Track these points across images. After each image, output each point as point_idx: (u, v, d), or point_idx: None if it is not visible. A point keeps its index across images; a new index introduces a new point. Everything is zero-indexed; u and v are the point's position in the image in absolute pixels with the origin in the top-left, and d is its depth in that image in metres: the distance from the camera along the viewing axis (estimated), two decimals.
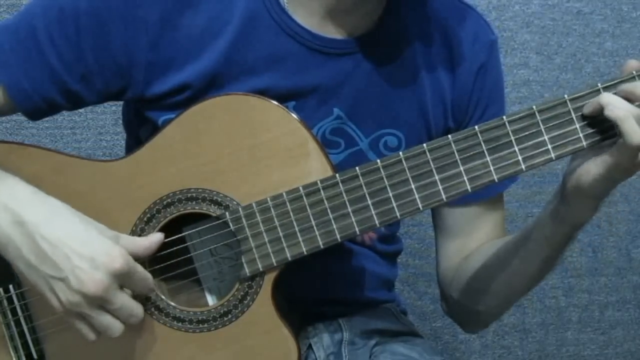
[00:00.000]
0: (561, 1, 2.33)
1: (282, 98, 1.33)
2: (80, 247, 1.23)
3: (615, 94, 1.21)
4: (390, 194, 1.27)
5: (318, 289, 1.47)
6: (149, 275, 1.29)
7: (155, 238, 1.31)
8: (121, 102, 1.51)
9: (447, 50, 1.43)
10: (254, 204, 1.29)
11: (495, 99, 1.48)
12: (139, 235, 1.32)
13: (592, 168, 1.22)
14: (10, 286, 1.35)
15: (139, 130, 1.45)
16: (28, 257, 1.23)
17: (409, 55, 1.41)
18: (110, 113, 2.16)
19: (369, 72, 1.39)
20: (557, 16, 2.33)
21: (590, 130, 1.23)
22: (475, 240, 1.51)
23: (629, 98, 1.19)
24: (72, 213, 1.27)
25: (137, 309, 1.28)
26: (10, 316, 1.35)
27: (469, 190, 1.26)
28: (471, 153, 1.25)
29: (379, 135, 1.41)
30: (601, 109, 1.20)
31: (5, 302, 1.35)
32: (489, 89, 1.47)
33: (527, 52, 2.34)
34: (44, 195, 1.27)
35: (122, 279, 1.25)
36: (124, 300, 1.26)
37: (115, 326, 1.27)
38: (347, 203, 1.27)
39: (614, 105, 1.18)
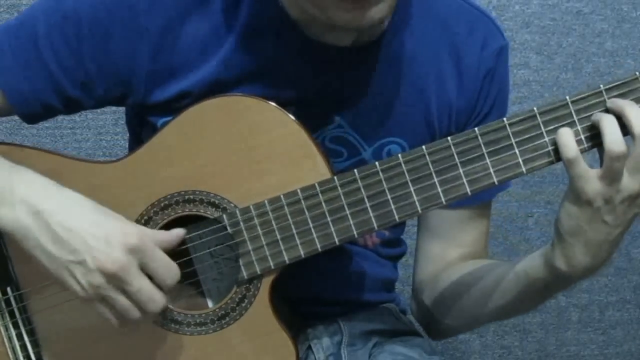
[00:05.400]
0: (561, 1, 2.32)
1: (282, 105, 1.31)
2: (95, 229, 1.23)
3: (609, 108, 1.21)
4: (389, 197, 1.26)
5: (316, 289, 1.46)
6: (170, 260, 1.26)
7: (177, 232, 1.29)
8: None
9: (454, 57, 1.42)
10: (251, 207, 1.29)
11: (498, 106, 1.46)
12: None
13: (564, 214, 1.24)
14: (8, 288, 1.34)
15: (142, 131, 1.45)
16: (46, 246, 1.24)
17: (414, 64, 1.40)
18: (110, 113, 2.16)
19: (373, 81, 1.38)
20: (557, 16, 2.33)
21: (591, 133, 1.22)
22: (456, 247, 1.50)
23: (618, 116, 1.20)
24: (87, 200, 1.27)
25: (157, 294, 1.25)
26: (8, 318, 1.35)
27: (469, 193, 1.25)
28: (471, 156, 1.24)
29: (382, 144, 1.40)
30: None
31: (3, 305, 1.35)
32: (494, 96, 1.45)
33: (527, 52, 2.33)
34: (59, 186, 1.28)
35: (139, 258, 1.24)
36: (143, 283, 1.24)
37: (134, 310, 1.25)
38: (345, 206, 1.27)
39: (567, 146, 1.20)
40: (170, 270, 1.26)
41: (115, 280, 1.23)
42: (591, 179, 1.19)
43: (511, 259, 1.39)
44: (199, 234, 1.33)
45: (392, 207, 1.26)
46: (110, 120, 2.18)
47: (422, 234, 1.55)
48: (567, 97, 1.23)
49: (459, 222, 1.50)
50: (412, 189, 1.26)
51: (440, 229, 1.51)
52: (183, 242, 1.33)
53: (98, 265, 1.22)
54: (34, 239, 1.24)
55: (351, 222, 1.27)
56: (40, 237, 1.24)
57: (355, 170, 1.26)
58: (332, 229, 1.27)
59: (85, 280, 1.23)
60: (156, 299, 1.25)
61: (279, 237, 1.28)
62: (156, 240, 1.27)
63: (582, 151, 1.23)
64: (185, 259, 1.33)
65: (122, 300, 1.24)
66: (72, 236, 1.23)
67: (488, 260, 1.50)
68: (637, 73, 1.22)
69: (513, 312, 1.45)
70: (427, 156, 1.25)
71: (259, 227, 1.28)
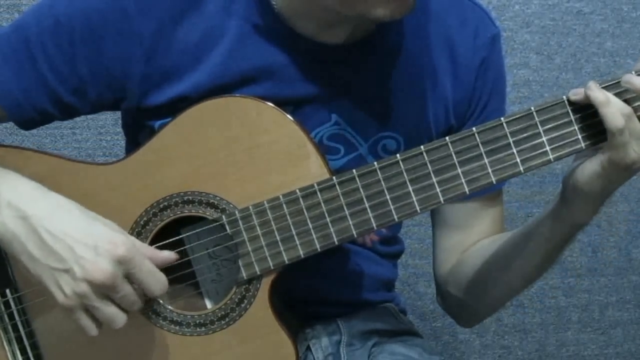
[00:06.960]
0: (561, 1, 2.32)
1: (280, 105, 1.31)
2: (83, 237, 1.23)
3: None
4: (388, 197, 1.26)
5: (315, 289, 1.46)
6: (158, 271, 1.27)
7: (169, 256, 1.29)
8: None
9: (447, 50, 1.42)
10: (250, 207, 1.28)
11: (496, 93, 1.47)
12: None
13: (588, 167, 1.23)
14: (7, 290, 1.34)
15: (138, 134, 1.45)
16: (32, 251, 1.23)
17: (408, 58, 1.40)
18: (111, 113, 2.14)
19: (367, 78, 1.38)
20: (557, 16, 2.33)
21: (589, 132, 1.23)
22: (474, 234, 1.50)
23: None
24: (75, 206, 1.27)
25: (137, 298, 1.26)
26: (7, 320, 1.34)
27: (467, 192, 1.25)
28: (469, 155, 1.25)
29: (378, 139, 1.40)
30: (586, 98, 1.21)
31: (2, 307, 1.34)
32: (491, 84, 1.45)
33: (527, 52, 2.33)
34: (46, 190, 1.27)
35: (126, 268, 1.23)
36: (128, 289, 1.25)
37: (120, 316, 1.25)
38: (344, 206, 1.27)
39: (596, 91, 1.19)
40: (158, 281, 1.27)
41: (102, 289, 1.23)
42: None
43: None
44: (196, 234, 1.33)
45: (391, 207, 1.26)
46: (110, 120, 2.18)
47: (439, 228, 1.54)
48: (564, 97, 1.23)
49: (473, 211, 1.50)
50: (410, 188, 1.26)
51: (455, 220, 1.51)
52: (181, 243, 1.33)
53: (85, 275, 1.21)
54: (20, 244, 1.24)
55: (350, 222, 1.27)
56: (26, 242, 1.23)
57: (354, 170, 1.26)
58: (332, 229, 1.27)
59: (70, 288, 1.23)
60: (137, 300, 1.26)
61: (278, 237, 1.28)
62: (146, 255, 1.27)
63: (579, 150, 1.24)
64: (183, 260, 1.33)
65: (107, 308, 1.24)
66: (60, 243, 1.23)
67: (500, 235, 1.49)
68: (633, 72, 1.22)
69: (540, 272, 1.43)
70: (425, 155, 1.25)
71: (258, 228, 1.28)
